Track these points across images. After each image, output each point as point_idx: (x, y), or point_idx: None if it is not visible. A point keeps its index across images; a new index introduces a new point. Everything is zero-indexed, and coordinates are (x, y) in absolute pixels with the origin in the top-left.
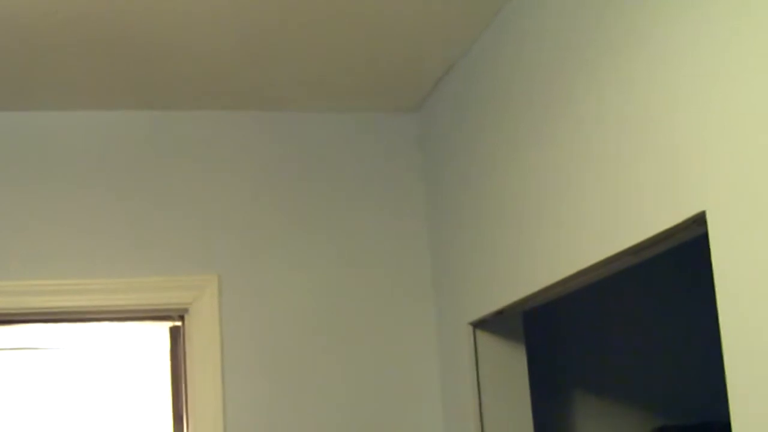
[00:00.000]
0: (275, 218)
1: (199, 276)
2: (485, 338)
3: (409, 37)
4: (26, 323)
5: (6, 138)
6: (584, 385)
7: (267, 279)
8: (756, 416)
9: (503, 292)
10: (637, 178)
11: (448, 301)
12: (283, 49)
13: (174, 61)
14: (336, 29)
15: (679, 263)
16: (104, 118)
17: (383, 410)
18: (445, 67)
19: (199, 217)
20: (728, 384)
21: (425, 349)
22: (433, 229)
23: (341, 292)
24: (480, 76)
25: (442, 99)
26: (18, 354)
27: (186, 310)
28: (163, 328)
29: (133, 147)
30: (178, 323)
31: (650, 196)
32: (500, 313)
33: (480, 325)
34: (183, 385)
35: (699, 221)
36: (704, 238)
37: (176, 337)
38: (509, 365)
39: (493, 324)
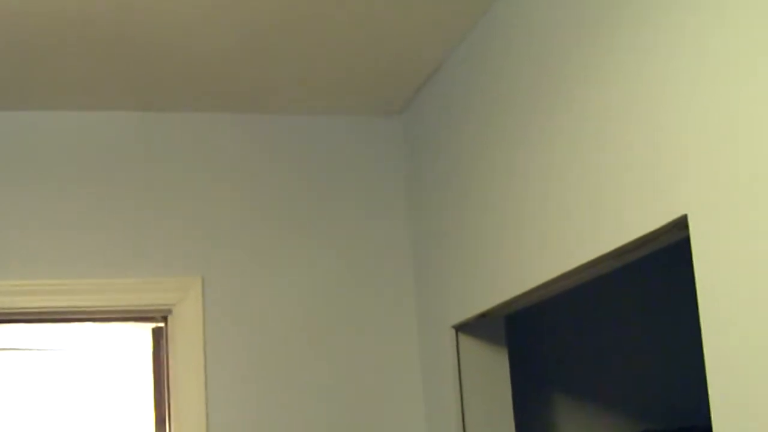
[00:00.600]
0: (258, 220)
1: (182, 277)
2: (468, 341)
3: (393, 40)
4: (7, 323)
5: None
6: (567, 388)
7: (250, 281)
8: (737, 420)
9: (486, 296)
10: (619, 181)
11: (431, 304)
12: (267, 52)
13: (151, 63)
14: (320, 32)
15: (662, 267)
16: (87, 119)
17: (366, 412)
18: (430, 70)
19: (183, 218)
20: (709, 387)
21: (408, 352)
22: (416, 231)
23: (324, 295)
24: (464, 80)
25: (426, 102)
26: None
27: (169, 312)
28: (146, 329)
29: (117, 149)
30: (161, 324)
31: (632, 200)
32: (483, 317)
33: (462, 328)
34: (166, 387)
35: (681, 225)
36: (686, 241)
37: (159, 338)
38: (491, 368)
39: (475, 327)
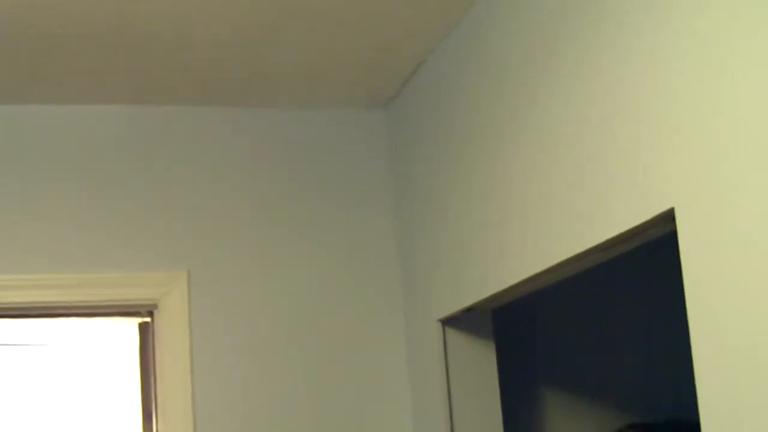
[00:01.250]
0: (245, 214)
1: (168, 272)
2: (454, 335)
3: (379, 34)
4: None
5: None
6: (554, 382)
7: (236, 275)
8: (724, 414)
9: (472, 289)
10: (605, 175)
11: (417, 298)
12: (251, 46)
13: (135, 55)
14: (305, 26)
15: (649, 260)
16: (73, 113)
17: (352, 407)
18: (416, 63)
19: (169, 213)
20: (697, 382)
21: (394, 346)
22: (403, 225)
23: (310, 289)
24: (450, 74)
25: (411, 96)
26: None
27: (155, 306)
28: (132, 324)
29: (103, 144)
30: (147, 319)
31: (619, 193)
32: (469, 311)
33: (449, 322)
34: (152, 382)
35: (668, 218)
36: (673, 234)
37: (145, 333)
38: (479, 362)
39: (462, 321)
